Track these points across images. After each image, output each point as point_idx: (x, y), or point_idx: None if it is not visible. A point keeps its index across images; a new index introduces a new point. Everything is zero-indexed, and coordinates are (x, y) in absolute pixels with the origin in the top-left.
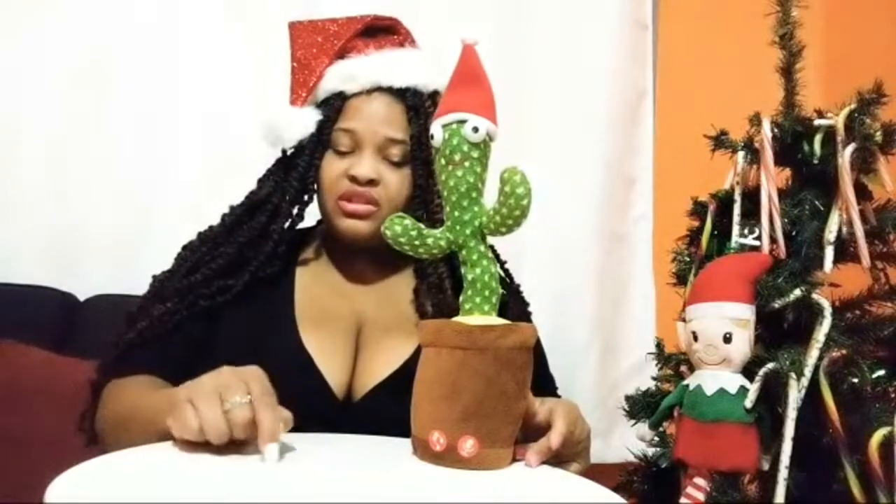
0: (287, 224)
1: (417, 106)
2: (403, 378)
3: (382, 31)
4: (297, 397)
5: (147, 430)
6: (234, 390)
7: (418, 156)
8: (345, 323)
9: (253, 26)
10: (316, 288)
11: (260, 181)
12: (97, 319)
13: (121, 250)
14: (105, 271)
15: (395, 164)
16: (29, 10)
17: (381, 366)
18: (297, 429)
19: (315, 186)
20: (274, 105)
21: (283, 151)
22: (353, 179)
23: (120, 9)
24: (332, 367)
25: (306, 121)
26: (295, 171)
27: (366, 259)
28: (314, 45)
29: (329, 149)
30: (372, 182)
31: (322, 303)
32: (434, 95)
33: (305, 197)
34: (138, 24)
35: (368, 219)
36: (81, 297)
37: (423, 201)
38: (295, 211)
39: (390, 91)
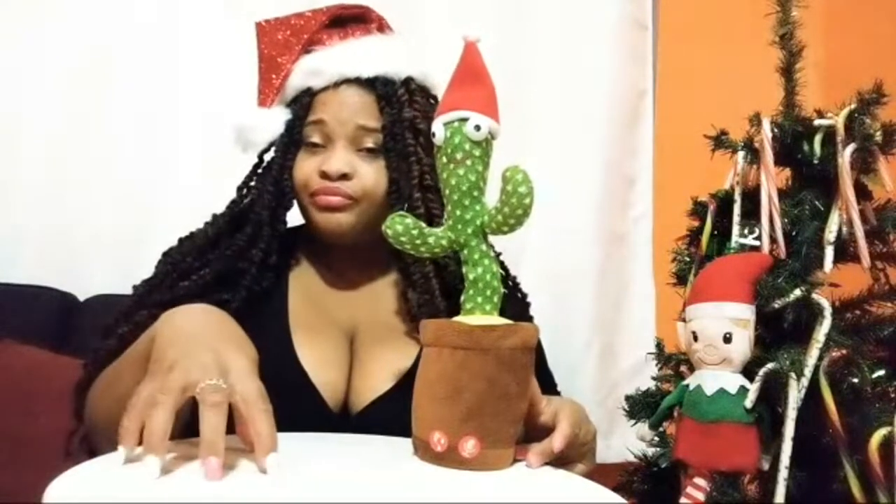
0: (271, 232)
1: (389, 95)
2: (401, 393)
3: (352, 20)
4: (293, 412)
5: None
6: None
7: (392, 147)
8: (338, 331)
9: (253, 26)
10: (308, 296)
11: (238, 189)
12: (97, 319)
13: (121, 250)
14: (105, 271)
15: (370, 154)
16: (29, 10)
17: (377, 379)
18: None
19: (291, 188)
20: (242, 108)
21: (259, 156)
22: (325, 175)
23: (120, 9)
24: (327, 381)
25: (276, 121)
26: (268, 175)
27: (352, 262)
28: (280, 42)
29: (301, 147)
30: (345, 176)
31: (314, 311)
32: (408, 82)
33: (284, 200)
34: (138, 24)
35: (345, 211)
36: (81, 297)
37: (400, 196)
38: (275, 216)
39: (358, 82)
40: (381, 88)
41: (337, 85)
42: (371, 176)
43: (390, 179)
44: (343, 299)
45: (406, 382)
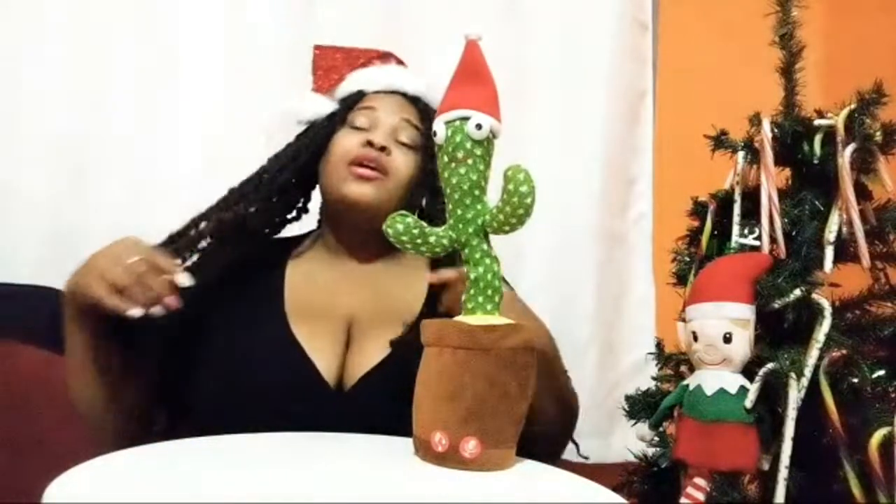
0: (298, 198)
1: (429, 111)
2: (395, 364)
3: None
4: (288, 386)
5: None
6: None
7: (430, 147)
8: (336, 315)
9: (253, 25)
10: (306, 283)
11: (271, 160)
12: None
13: None
14: None
15: (404, 147)
16: (29, 9)
17: (372, 353)
18: (289, 418)
19: (322, 161)
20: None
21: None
22: (369, 143)
23: (120, 8)
24: (322, 355)
25: (325, 104)
26: (306, 138)
27: (356, 253)
28: (335, 58)
29: (344, 127)
30: (384, 149)
31: (313, 296)
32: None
33: (310, 165)
34: (138, 24)
35: (375, 183)
36: None
37: (428, 187)
38: (300, 176)
39: (405, 95)
40: (422, 105)
41: (387, 92)
42: (402, 160)
43: (423, 172)
44: (345, 288)
45: (397, 354)
